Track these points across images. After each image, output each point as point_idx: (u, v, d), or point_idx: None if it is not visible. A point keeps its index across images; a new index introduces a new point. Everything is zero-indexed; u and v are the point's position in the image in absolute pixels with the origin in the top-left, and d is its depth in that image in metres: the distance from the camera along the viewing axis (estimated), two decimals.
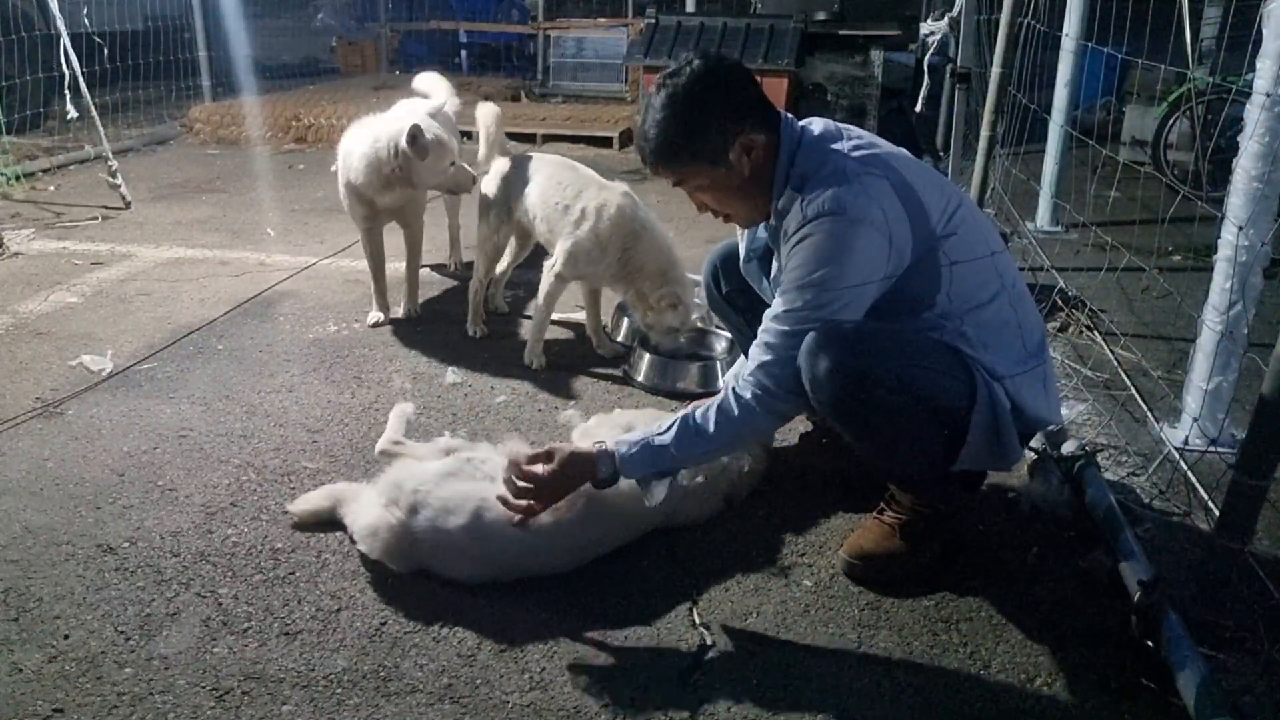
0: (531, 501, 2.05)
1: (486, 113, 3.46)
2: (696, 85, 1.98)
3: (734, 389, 2.00)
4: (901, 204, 1.93)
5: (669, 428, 2.01)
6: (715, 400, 2.02)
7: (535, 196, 3.23)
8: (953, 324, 2.00)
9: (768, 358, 1.96)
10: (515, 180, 3.33)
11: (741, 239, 2.37)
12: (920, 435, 1.99)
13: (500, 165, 3.39)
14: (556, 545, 2.11)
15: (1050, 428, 2.49)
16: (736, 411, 1.98)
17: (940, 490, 2.12)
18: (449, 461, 2.22)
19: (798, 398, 1.99)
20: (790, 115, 2.07)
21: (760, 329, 2.01)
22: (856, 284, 1.91)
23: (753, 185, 2.04)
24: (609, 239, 3.03)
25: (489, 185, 3.39)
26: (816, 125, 2.07)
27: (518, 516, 2.06)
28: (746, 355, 2.21)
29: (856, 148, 2.00)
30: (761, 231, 2.24)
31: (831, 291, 1.90)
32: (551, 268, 3.16)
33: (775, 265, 2.20)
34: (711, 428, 1.99)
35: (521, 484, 2.03)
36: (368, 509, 2.16)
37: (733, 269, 2.44)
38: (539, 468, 2.03)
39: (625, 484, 2.05)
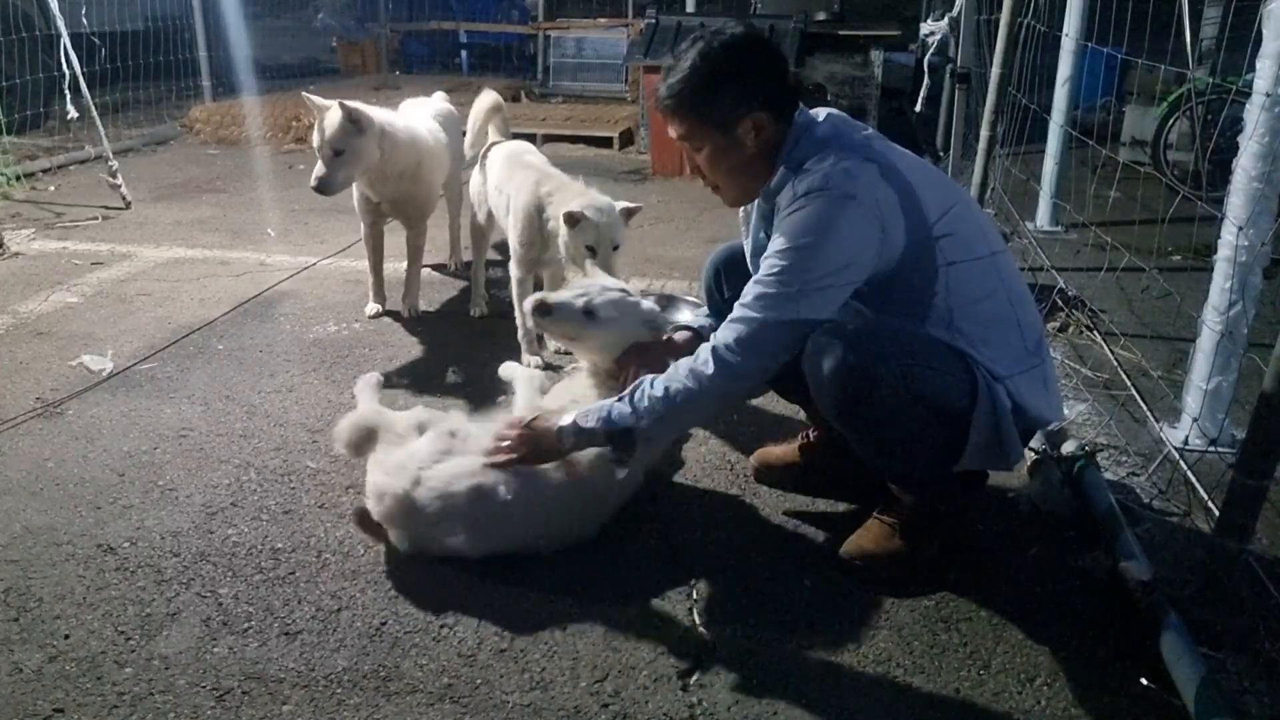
0: (509, 449, 2.12)
1: (479, 103, 3.64)
2: (731, 48, 1.99)
3: (699, 349, 2.02)
4: (897, 194, 1.93)
5: (628, 391, 2.05)
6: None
7: (491, 189, 3.35)
8: (950, 321, 2.00)
9: (738, 314, 1.97)
10: (485, 170, 3.47)
11: (746, 238, 2.36)
12: (922, 435, 1.99)
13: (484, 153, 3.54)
14: (554, 515, 2.16)
15: (1052, 427, 2.49)
16: (692, 367, 1.99)
17: (941, 490, 2.12)
18: (435, 440, 2.23)
19: (759, 360, 1.98)
20: (804, 107, 2.08)
21: (741, 296, 2.01)
22: (841, 258, 1.91)
23: (752, 165, 2.05)
24: (536, 227, 3.06)
25: (475, 173, 3.57)
26: (822, 114, 2.09)
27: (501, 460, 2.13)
28: None
29: (857, 136, 2.02)
30: (763, 235, 2.24)
31: (814, 259, 1.90)
32: (511, 265, 3.28)
33: None
34: (662, 387, 2.00)
35: (502, 441, 2.13)
36: (376, 472, 2.22)
37: (735, 273, 2.42)
38: (515, 431, 2.14)
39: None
